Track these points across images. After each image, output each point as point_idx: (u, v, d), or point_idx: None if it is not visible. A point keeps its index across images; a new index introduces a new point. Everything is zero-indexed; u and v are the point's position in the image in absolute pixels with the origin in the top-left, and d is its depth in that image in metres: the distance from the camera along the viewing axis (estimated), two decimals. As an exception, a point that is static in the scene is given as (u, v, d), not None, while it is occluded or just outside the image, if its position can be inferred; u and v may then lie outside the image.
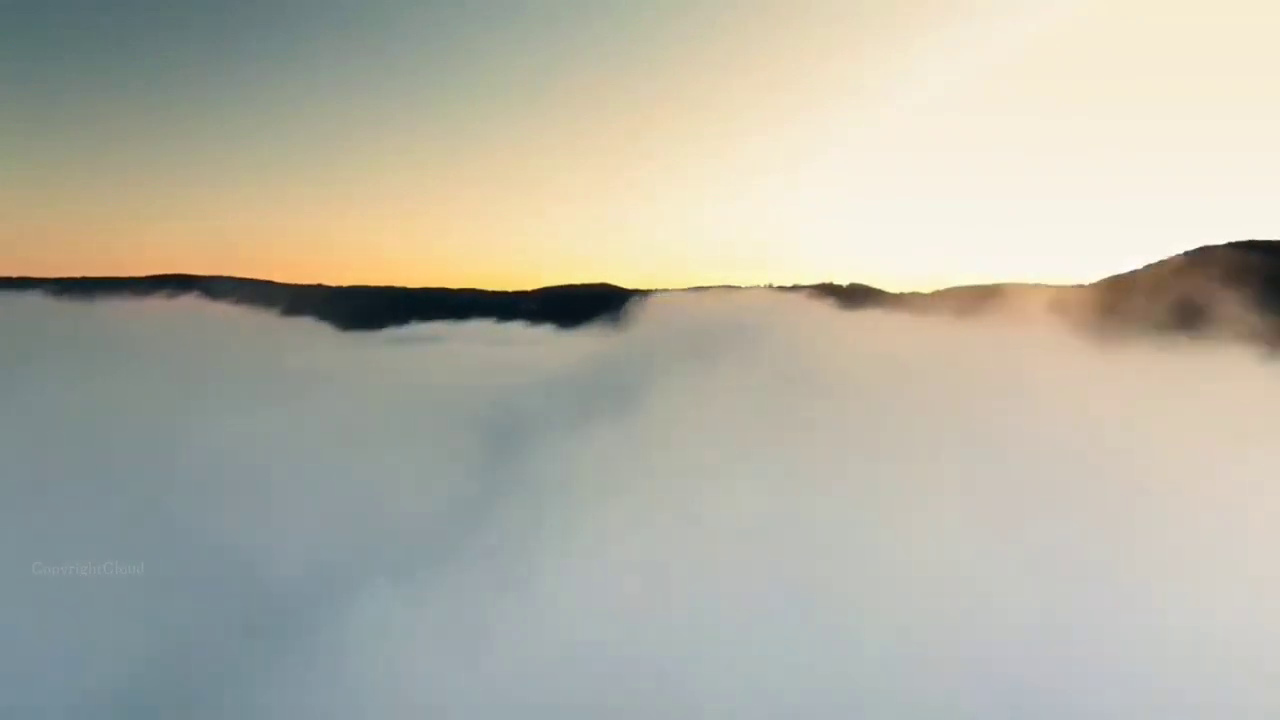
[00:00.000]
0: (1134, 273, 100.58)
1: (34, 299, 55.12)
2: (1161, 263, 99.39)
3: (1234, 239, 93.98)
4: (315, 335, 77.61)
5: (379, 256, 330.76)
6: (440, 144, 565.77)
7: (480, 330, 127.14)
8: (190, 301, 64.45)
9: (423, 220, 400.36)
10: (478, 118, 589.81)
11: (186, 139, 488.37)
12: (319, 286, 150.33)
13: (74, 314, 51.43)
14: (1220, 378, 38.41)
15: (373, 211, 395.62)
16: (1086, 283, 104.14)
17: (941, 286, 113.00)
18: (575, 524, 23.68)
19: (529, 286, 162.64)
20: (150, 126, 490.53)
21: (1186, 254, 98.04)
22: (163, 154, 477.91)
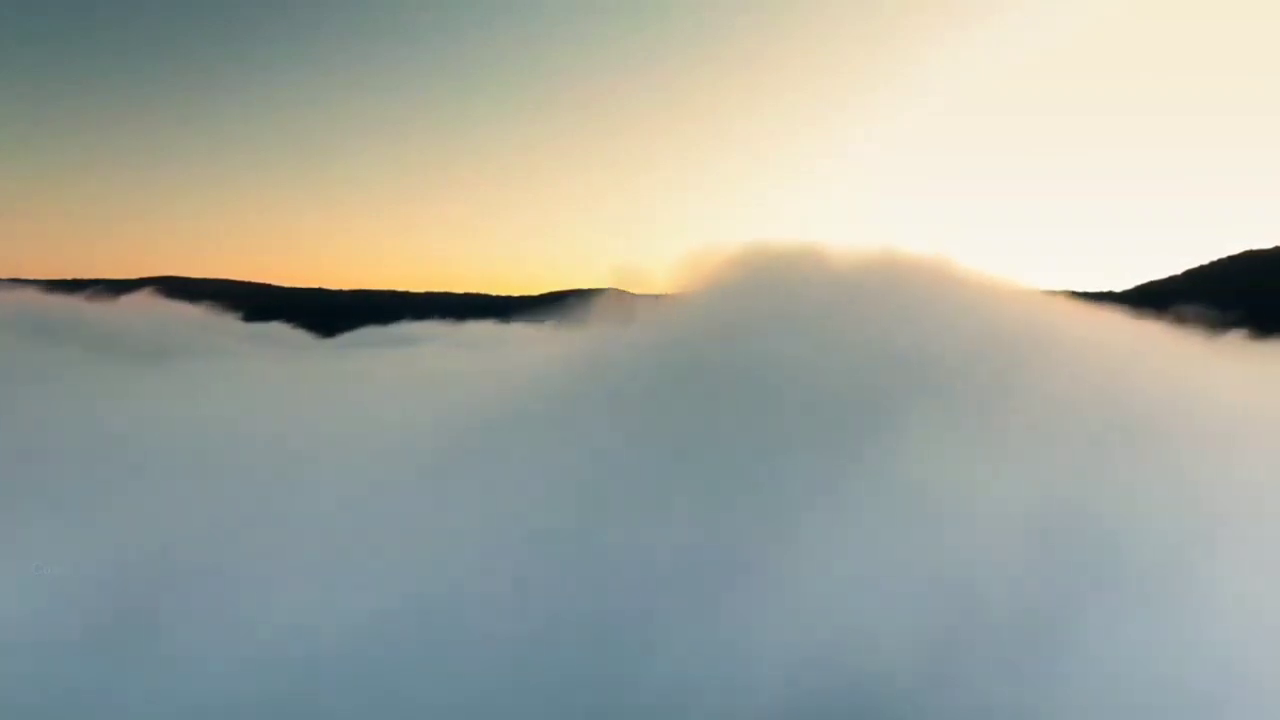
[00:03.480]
0: (1172, 278, 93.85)
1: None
2: (1201, 267, 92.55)
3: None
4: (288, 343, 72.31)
5: (378, 259, 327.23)
6: (442, 145, 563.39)
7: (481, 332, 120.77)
8: (141, 300, 59.00)
9: (423, 222, 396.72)
10: (482, 119, 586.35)
11: (179, 135, 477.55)
12: (319, 290, 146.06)
13: None
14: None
15: (371, 214, 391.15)
16: (1118, 289, 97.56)
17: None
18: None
19: (533, 290, 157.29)
20: (138, 123, 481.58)
21: (1231, 258, 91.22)
22: (155, 150, 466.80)
